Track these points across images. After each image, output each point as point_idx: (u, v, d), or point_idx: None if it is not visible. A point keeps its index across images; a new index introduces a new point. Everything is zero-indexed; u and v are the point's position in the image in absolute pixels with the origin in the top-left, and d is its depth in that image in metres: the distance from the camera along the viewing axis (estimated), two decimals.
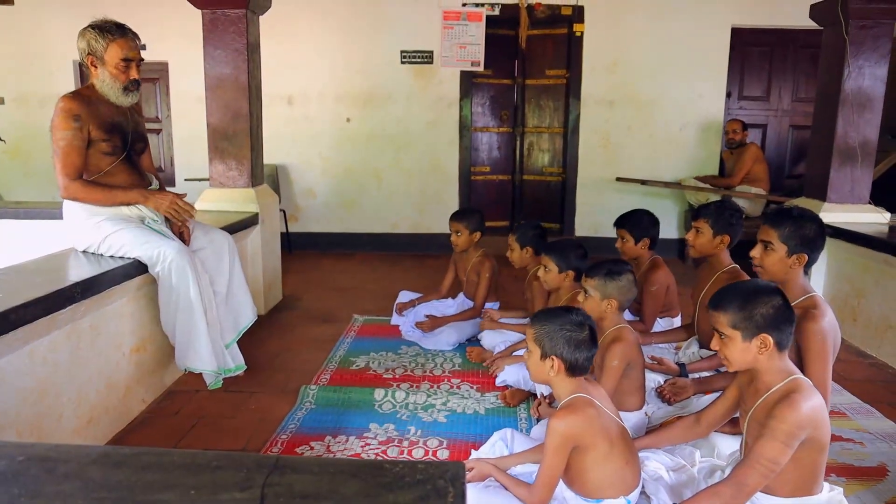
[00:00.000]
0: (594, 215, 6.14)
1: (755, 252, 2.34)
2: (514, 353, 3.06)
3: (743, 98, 6.22)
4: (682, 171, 6.03)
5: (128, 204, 2.77)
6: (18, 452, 1.02)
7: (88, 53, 2.66)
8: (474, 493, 1.90)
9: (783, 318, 1.73)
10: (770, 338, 1.71)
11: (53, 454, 1.02)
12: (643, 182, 5.82)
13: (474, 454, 2.21)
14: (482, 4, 5.81)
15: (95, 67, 2.68)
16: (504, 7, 5.85)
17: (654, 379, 2.72)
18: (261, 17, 4.22)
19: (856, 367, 3.34)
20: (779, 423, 1.64)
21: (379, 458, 2.37)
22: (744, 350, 1.75)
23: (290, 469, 0.97)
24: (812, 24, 4.33)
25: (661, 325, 3.35)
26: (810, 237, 2.25)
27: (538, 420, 2.52)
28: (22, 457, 1.00)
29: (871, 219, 3.98)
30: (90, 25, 2.66)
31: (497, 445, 2.20)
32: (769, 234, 2.29)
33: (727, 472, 1.94)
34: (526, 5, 5.81)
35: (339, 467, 0.98)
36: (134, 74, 2.72)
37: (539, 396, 2.56)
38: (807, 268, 2.28)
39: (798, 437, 1.64)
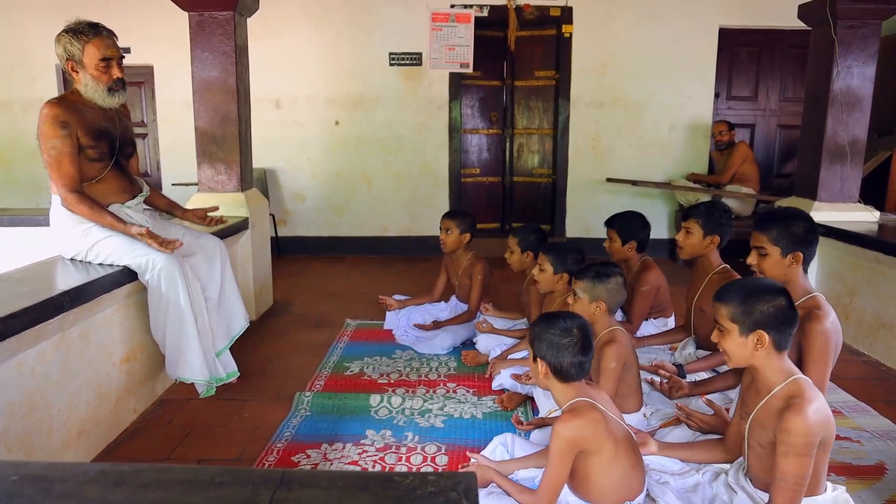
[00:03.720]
0: (585, 216, 6.14)
1: (752, 259, 2.33)
2: (509, 357, 3.04)
3: (731, 98, 6.25)
4: (672, 171, 6.05)
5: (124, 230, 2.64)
6: (12, 472, 0.97)
7: (67, 59, 2.58)
8: None
9: (783, 318, 1.72)
10: (766, 336, 1.71)
11: (49, 473, 0.98)
12: (633, 183, 5.83)
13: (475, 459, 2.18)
14: (471, 6, 5.79)
15: (77, 72, 2.60)
16: (492, 8, 5.84)
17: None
18: (248, 20, 4.18)
19: (849, 366, 3.35)
20: (794, 439, 1.62)
21: (377, 464, 2.34)
22: (741, 345, 1.76)
23: (297, 483, 0.94)
24: (799, 24, 4.35)
25: (654, 325, 3.34)
26: (801, 234, 2.24)
27: (528, 434, 2.46)
28: (16, 476, 0.96)
29: (861, 217, 4.01)
30: (64, 30, 2.57)
31: (497, 451, 2.17)
32: (760, 239, 2.29)
33: (730, 475, 1.93)
34: (514, 6, 5.81)
35: (349, 481, 0.95)
36: (116, 73, 2.63)
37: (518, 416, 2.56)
38: (805, 266, 2.27)
39: (815, 444, 1.63)
